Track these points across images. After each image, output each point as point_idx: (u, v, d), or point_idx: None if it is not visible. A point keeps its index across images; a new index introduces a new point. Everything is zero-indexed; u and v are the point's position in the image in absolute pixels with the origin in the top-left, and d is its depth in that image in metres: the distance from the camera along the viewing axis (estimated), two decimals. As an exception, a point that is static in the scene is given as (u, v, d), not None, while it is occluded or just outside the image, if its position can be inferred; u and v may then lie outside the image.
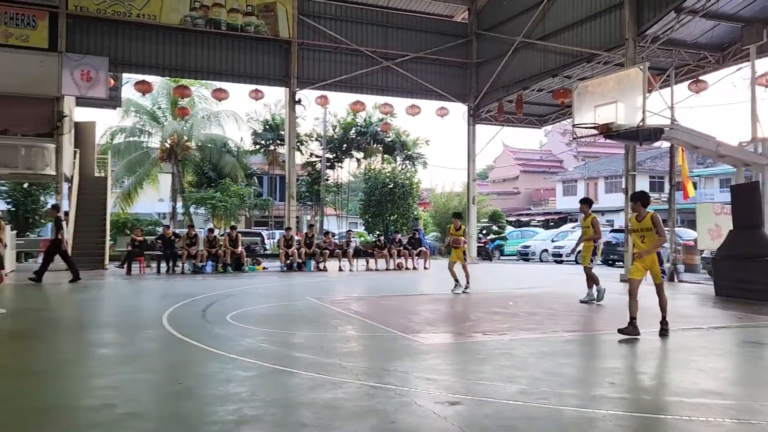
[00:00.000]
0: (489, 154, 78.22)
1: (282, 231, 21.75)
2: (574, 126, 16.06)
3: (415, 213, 29.30)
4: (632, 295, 7.22)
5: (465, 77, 23.96)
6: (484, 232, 29.77)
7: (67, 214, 18.58)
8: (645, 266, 7.27)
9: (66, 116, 17.88)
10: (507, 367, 5.71)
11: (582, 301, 10.54)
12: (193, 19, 19.44)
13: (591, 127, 15.08)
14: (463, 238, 12.41)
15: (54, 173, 17.75)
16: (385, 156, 34.02)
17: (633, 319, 7.12)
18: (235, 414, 4.23)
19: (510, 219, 39.63)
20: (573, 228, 29.18)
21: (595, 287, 10.47)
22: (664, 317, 7.27)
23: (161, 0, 18.92)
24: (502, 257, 29.54)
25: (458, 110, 24.37)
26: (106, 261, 18.74)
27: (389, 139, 33.96)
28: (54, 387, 5.13)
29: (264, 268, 19.14)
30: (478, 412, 4.35)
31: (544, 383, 5.11)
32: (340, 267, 18.83)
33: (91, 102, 20.55)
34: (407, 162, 34.64)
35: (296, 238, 19.50)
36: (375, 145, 33.88)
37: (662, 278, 7.33)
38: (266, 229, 32.50)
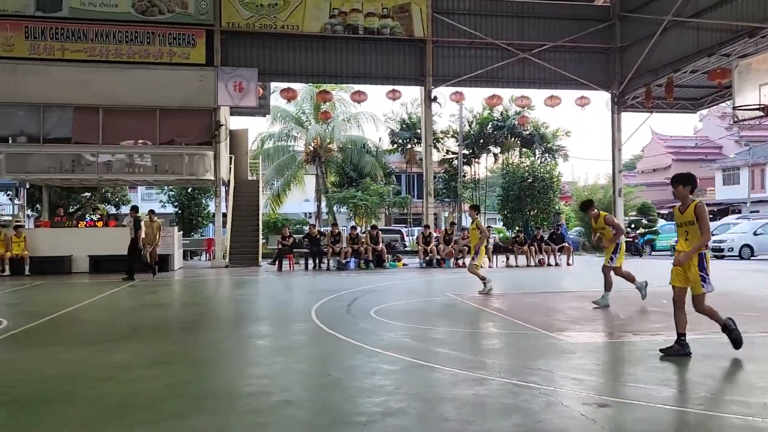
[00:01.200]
0: (636, 143, 73.61)
1: (420, 228, 22.01)
2: (734, 108, 14.69)
3: (557, 207, 28.30)
4: (676, 305, 5.87)
5: (607, 63, 22.73)
6: (633, 226, 28.03)
7: (225, 215, 20.22)
8: (684, 270, 5.80)
9: (222, 125, 19.40)
10: (661, 369, 5.36)
11: (594, 303, 9.31)
12: (333, 26, 20.24)
13: (755, 109, 13.69)
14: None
15: (213, 178, 19.34)
16: (523, 150, 33.21)
17: (680, 336, 5.81)
18: (381, 406, 4.36)
19: (662, 211, 37.04)
20: (737, 219, 26.58)
21: (606, 291, 9.37)
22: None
23: (303, 10, 19.91)
24: (653, 253, 27.67)
25: (600, 98, 23.25)
26: (260, 258, 20.09)
27: (527, 133, 33.08)
28: (217, 374, 5.61)
29: (404, 264, 19.49)
30: (629, 416, 4.13)
31: (703, 388, 4.74)
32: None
33: (243, 111, 22.17)
34: (547, 155, 33.54)
35: (435, 234, 19.64)
36: (512, 139, 33.17)
37: (703, 288, 5.73)
38: (405, 227, 33.05)
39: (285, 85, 22.36)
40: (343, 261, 18.34)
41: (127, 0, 18.52)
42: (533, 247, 19.29)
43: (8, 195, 28.57)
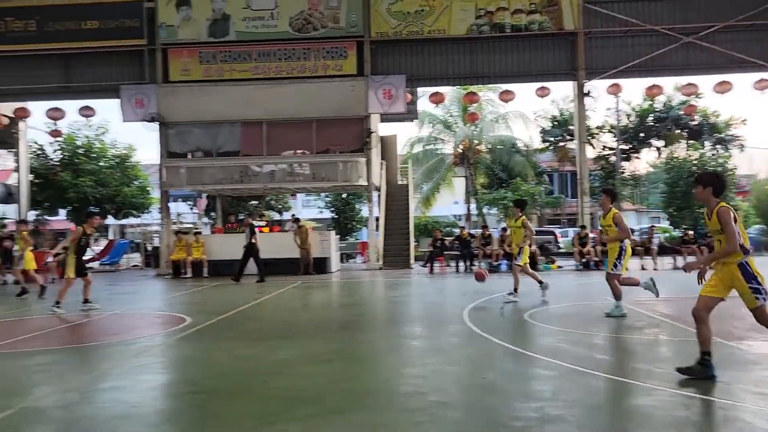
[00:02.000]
0: (829, 128, 64.62)
1: (575, 229, 21.11)
2: None
3: (732, 203, 25.75)
4: (697, 319, 4.99)
5: (791, 40, 20.25)
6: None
7: (377, 219, 20.88)
8: (723, 281, 4.96)
9: (373, 132, 20.06)
10: None
11: (607, 315, 8.53)
12: (479, 27, 20.12)
13: None
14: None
15: (365, 183, 20.05)
16: (690, 141, 30.58)
17: (704, 354, 4.95)
18: (539, 412, 4.26)
19: None
20: None
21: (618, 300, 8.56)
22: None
23: (449, 14, 20.01)
24: None
25: (783, 80, 20.68)
26: (412, 260, 20.47)
27: (694, 123, 30.46)
28: (375, 373, 5.82)
29: (558, 266, 18.82)
30: (828, 437, 3.66)
31: None
32: (642, 266, 17.53)
33: (392, 117, 22.75)
34: (718, 146, 30.61)
35: (591, 235, 18.75)
36: (677, 131, 30.70)
37: (758, 301, 4.87)
38: (559, 227, 31.91)
39: (432, 89, 22.59)
40: (495, 263, 18.13)
41: (285, 19, 19.82)
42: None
43: (188, 204, 31.77)
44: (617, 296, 8.64)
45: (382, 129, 23.10)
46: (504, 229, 18.01)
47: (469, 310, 9.53)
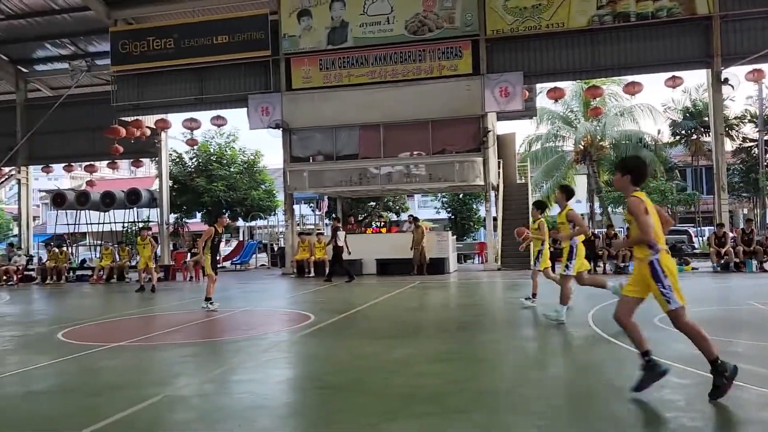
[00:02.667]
0: None
1: (711, 227, 19.58)
2: None
3: None
4: (621, 325, 4.69)
5: None
6: None
7: (495, 219, 20.58)
8: (640, 280, 4.59)
9: (490, 131, 19.80)
10: None
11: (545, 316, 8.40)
12: (601, 17, 19.23)
13: None
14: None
15: (482, 183, 19.83)
16: None
17: (644, 355, 4.60)
18: (673, 422, 4.03)
19: None
20: None
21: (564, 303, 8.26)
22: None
23: (568, 6, 19.30)
24: None
25: None
26: (532, 261, 19.91)
27: None
28: (494, 373, 5.75)
29: (693, 268, 17.55)
30: None
31: None
32: (790, 267, 15.95)
33: (509, 115, 22.34)
34: None
35: (730, 235, 17.31)
36: (833, 118, 27.55)
37: (670, 304, 4.44)
38: (693, 226, 29.76)
39: (551, 84, 21.90)
40: (621, 264, 17.24)
41: (401, 23, 20.07)
42: None
43: (311, 206, 33.07)
44: (564, 299, 8.33)
45: (499, 127, 22.74)
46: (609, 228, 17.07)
47: (594, 312, 9.15)
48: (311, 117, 20.39)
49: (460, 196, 29.05)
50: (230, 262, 25.31)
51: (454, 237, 22.30)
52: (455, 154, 19.79)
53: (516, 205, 21.45)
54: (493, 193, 20.88)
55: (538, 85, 24.22)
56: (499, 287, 14.72)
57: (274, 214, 30.00)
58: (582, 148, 31.93)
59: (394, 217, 31.27)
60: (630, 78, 21.30)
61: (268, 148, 68.60)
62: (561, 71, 20.22)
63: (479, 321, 9.37)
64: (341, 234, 17.14)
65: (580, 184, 34.71)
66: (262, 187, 28.34)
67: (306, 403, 5.09)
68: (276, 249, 26.71)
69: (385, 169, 20.10)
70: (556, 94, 21.91)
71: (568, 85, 28.58)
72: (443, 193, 28.54)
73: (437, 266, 18.64)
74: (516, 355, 6.60)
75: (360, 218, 28.55)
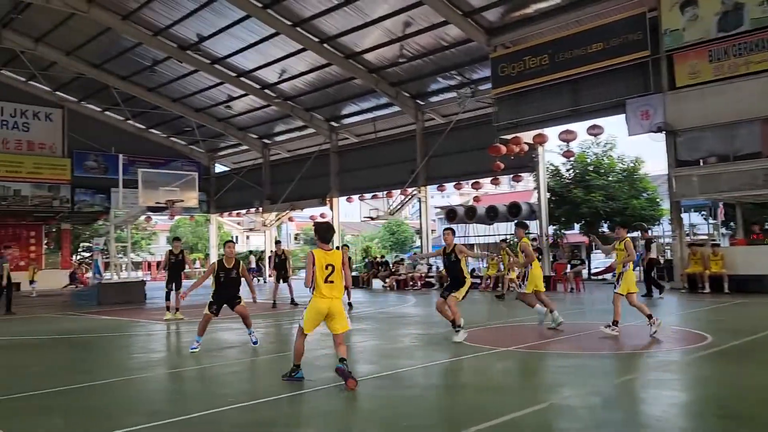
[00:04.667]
0: None
1: None
2: None
3: None
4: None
5: None
6: None
7: None
8: None
9: None
10: None
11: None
12: None
13: None
14: None
15: None
16: None
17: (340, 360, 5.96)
18: None
19: None
20: None
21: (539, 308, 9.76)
22: None
23: None
24: None
25: None
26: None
27: None
28: None
29: None
30: None
31: None
32: None
33: None
34: None
35: None
36: None
37: None
38: None
39: None
40: None
41: (816, -9, 16.60)
42: None
43: (702, 215, 29.76)
44: (531, 306, 9.65)
45: None
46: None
47: None
48: (700, 115, 18.34)
49: None
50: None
51: None
52: None
53: None
54: None
55: None
56: None
57: (658, 224, 27.88)
58: None
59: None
60: None
61: (649, 154, 64.27)
62: None
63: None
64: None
65: None
66: (644, 195, 26.66)
67: (706, 430, 4.56)
68: (663, 261, 24.76)
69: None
70: None
71: None
72: None
73: None
74: None
75: (766, 227, 24.43)
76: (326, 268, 6.10)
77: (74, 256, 39.87)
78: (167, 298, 13.87)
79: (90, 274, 32.15)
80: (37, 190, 31.27)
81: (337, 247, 11.51)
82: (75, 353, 9.48)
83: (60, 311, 16.87)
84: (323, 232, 6.43)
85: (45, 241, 35.78)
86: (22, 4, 23.53)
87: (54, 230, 36.47)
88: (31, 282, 27.12)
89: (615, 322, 9.04)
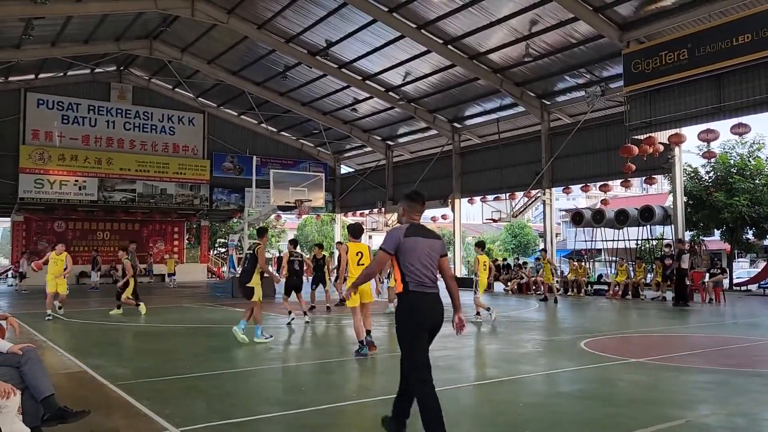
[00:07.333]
0: None
1: None
2: None
3: None
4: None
5: None
6: None
7: None
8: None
9: None
10: None
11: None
12: None
13: None
14: None
15: None
16: None
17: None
18: None
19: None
20: None
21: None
22: None
23: None
24: None
25: None
26: None
27: None
28: None
29: None
30: None
31: None
32: None
33: None
34: None
35: None
36: None
37: None
38: None
39: None
40: None
41: None
42: None
43: None
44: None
45: None
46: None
47: None
48: None
49: None
50: (758, 284, 22.57)
51: None
52: None
53: None
54: None
55: None
56: None
57: (815, 231, 25.15)
58: None
59: None
60: None
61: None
62: None
63: None
64: None
65: None
66: (798, 199, 24.18)
67: None
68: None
69: None
70: None
71: None
72: None
73: None
74: None
75: None
76: (357, 254, 8.48)
77: (211, 251, 42.82)
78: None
79: (225, 269, 34.42)
80: (181, 189, 33.99)
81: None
82: (215, 341, 10.22)
83: (199, 302, 18.24)
84: (355, 231, 8.82)
85: (186, 237, 38.77)
86: (171, 18, 25.66)
87: (194, 227, 39.43)
88: (171, 274, 29.45)
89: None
